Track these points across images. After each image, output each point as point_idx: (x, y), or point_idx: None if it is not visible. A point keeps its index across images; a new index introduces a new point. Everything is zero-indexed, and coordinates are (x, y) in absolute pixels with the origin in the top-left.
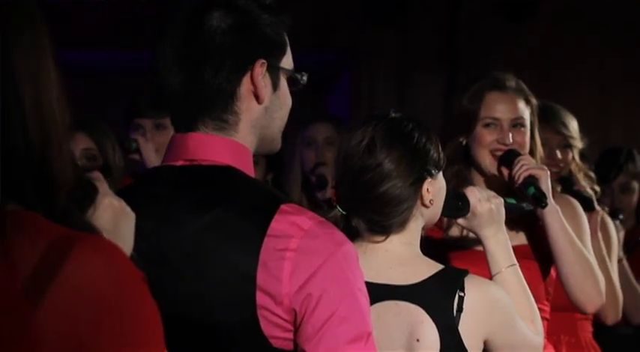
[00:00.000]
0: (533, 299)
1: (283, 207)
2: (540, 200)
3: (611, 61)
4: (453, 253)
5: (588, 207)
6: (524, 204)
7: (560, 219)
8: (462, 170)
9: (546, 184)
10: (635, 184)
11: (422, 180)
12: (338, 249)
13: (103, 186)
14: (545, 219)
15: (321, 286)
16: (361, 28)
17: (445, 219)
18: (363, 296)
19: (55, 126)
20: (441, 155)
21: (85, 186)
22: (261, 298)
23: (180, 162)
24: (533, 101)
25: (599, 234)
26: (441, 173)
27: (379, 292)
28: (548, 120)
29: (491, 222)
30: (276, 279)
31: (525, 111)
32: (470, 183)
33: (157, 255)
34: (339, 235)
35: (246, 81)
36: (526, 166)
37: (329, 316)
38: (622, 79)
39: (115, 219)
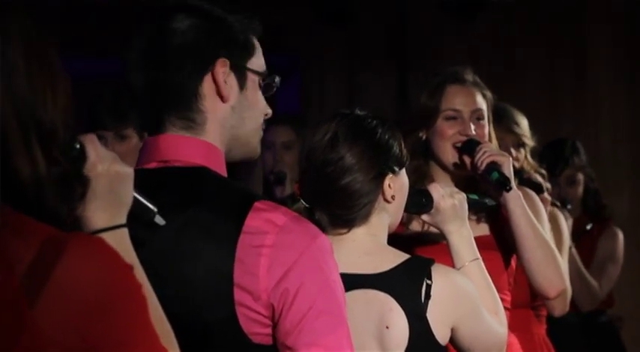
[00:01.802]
0: (496, 291)
1: (257, 204)
2: (504, 184)
3: (561, 59)
4: (416, 247)
5: (540, 191)
6: (487, 200)
7: (522, 205)
8: (421, 165)
9: (509, 169)
10: (580, 176)
11: (383, 176)
12: (312, 243)
13: (95, 150)
14: (507, 204)
15: (297, 280)
16: (312, 28)
17: (405, 214)
18: (339, 287)
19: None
20: (404, 152)
21: (74, 158)
22: (239, 295)
23: (153, 165)
24: (489, 95)
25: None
26: (403, 170)
27: (348, 281)
28: (500, 120)
29: (455, 217)
30: (253, 276)
31: (483, 104)
32: (430, 178)
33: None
34: (313, 229)
35: (207, 79)
36: (488, 153)
37: (307, 310)
38: (573, 76)
39: (109, 184)
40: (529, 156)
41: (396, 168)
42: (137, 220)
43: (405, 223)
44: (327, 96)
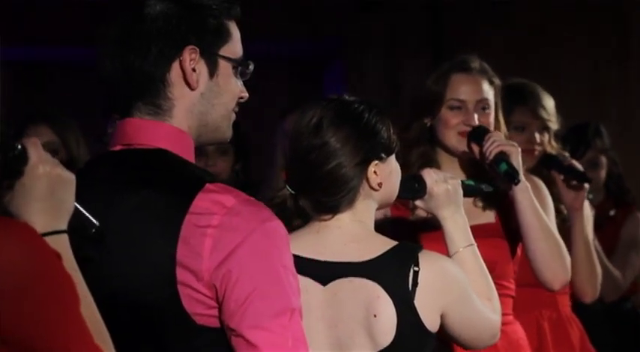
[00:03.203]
0: (490, 278)
1: (208, 185)
2: (513, 176)
3: (601, 38)
4: (422, 233)
5: (583, 179)
6: (483, 186)
7: (530, 197)
8: (427, 151)
9: (517, 160)
10: (603, 159)
11: (368, 162)
12: (261, 226)
13: (37, 152)
14: (515, 195)
15: (241, 262)
16: (352, 15)
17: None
18: (288, 272)
19: None
20: (393, 139)
21: (14, 158)
22: (181, 274)
23: (118, 147)
24: (497, 82)
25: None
26: (392, 157)
27: (334, 270)
28: (527, 103)
29: (449, 203)
30: (196, 255)
31: (490, 93)
32: (436, 164)
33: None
34: (265, 213)
35: (175, 66)
36: (497, 142)
37: (250, 292)
38: (612, 56)
39: (50, 186)
40: (553, 140)
41: (383, 155)
42: (77, 232)
43: (411, 209)
44: (369, 82)
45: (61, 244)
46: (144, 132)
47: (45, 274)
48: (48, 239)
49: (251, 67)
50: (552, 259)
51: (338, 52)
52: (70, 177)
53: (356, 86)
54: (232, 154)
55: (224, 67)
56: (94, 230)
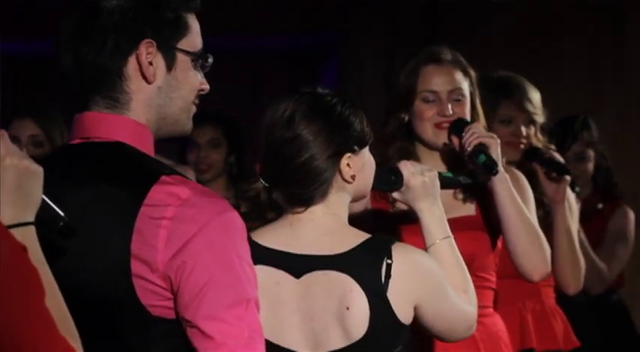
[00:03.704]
0: (466, 270)
1: (164, 178)
2: (491, 167)
3: (601, 35)
4: (402, 225)
5: (563, 171)
6: (461, 178)
7: (509, 188)
8: (406, 146)
9: (496, 152)
10: (591, 152)
11: (341, 154)
12: (216, 217)
13: (4, 145)
14: (494, 187)
15: (195, 253)
16: (351, 9)
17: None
18: (244, 262)
19: None
20: (367, 131)
21: None
22: (136, 266)
23: (76, 141)
24: (472, 72)
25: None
26: (366, 149)
27: (308, 263)
28: (513, 96)
29: (425, 195)
30: (151, 247)
31: (463, 82)
32: (415, 158)
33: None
34: (221, 204)
35: (132, 60)
36: (476, 134)
37: (205, 283)
38: (613, 56)
39: (17, 179)
40: (539, 133)
41: (356, 147)
42: (44, 225)
43: (391, 202)
44: (366, 75)
45: (28, 236)
46: (102, 125)
47: (9, 266)
48: (14, 231)
49: (210, 59)
50: (532, 250)
51: (336, 48)
52: (38, 170)
53: (353, 81)
54: (225, 147)
55: (182, 60)
56: (61, 222)
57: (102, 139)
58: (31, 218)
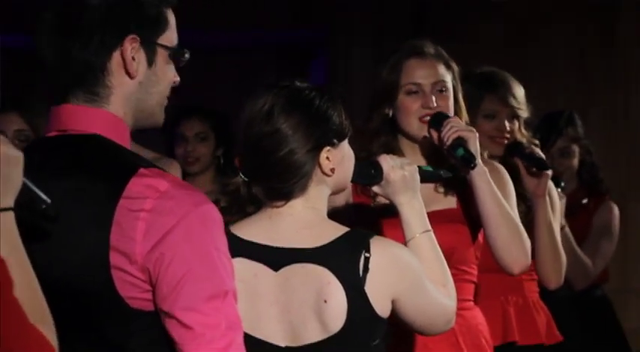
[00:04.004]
0: (446, 264)
1: (142, 170)
2: (469, 161)
3: (591, 25)
4: (383, 219)
5: (542, 166)
6: (442, 172)
7: (488, 181)
8: (389, 141)
9: (475, 146)
10: (575, 148)
11: (320, 148)
12: (194, 210)
13: None
14: (473, 181)
15: (173, 245)
16: (339, 4)
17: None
18: (222, 254)
19: None
20: (345, 124)
21: None
22: (115, 258)
23: (53, 133)
24: (455, 66)
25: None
26: (345, 142)
27: (286, 256)
28: (497, 91)
29: (405, 188)
30: (130, 239)
31: (446, 75)
32: (398, 152)
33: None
34: (199, 196)
35: (116, 56)
36: (455, 128)
37: (183, 274)
38: (604, 53)
39: None
40: (523, 128)
41: (335, 140)
42: (26, 209)
43: (372, 196)
44: (354, 71)
45: (7, 222)
46: (79, 118)
47: None
48: None
49: (187, 55)
50: (511, 243)
51: (325, 43)
52: (17, 155)
53: (341, 77)
54: (213, 140)
55: (162, 55)
56: (44, 206)
57: (79, 132)
58: (11, 203)
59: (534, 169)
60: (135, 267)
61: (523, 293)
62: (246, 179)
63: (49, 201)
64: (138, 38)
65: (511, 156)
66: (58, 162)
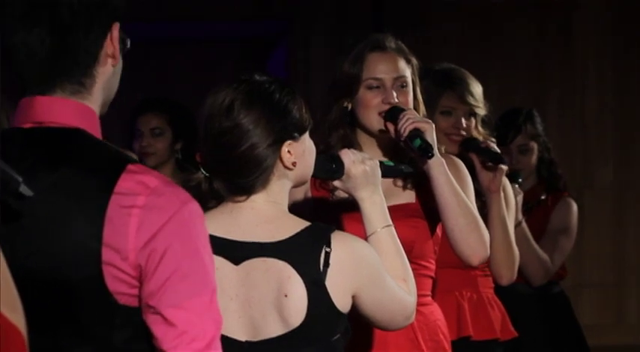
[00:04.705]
0: (406, 259)
1: (130, 166)
2: (427, 150)
3: (549, 21)
4: (342, 214)
5: (497, 159)
6: (403, 167)
7: (445, 172)
8: (347, 134)
9: (432, 137)
10: (534, 144)
11: (281, 142)
12: (183, 207)
13: None
14: (430, 171)
15: (165, 242)
16: None
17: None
18: (207, 254)
19: None
20: (305, 117)
21: None
22: (107, 254)
23: (28, 125)
24: (414, 61)
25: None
26: (306, 135)
27: (247, 250)
28: (454, 88)
29: (366, 183)
30: (122, 235)
31: (407, 70)
32: (357, 146)
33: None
34: (184, 194)
35: (107, 44)
36: (412, 120)
37: (172, 271)
38: (561, 46)
39: None
40: (480, 125)
41: (296, 134)
42: (2, 190)
43: (331, 190)
44: (314, 62)
45: None
46: (57, 110)
47: None
48: None
49: (128, 41)
50: (470, 235)
51: (284, 35)
52: None
53: (301, 68)
54: (170, 134)
55: (123, 40)
56: (18, 186)
57: (56, 124)
58: None
59: (490, 164)
60: (127, 264)
61: (477, 289)
62: (207, 174)
63: (20, 180)
64: (118, 24)
65: (466, 152)
66: (40, 154)
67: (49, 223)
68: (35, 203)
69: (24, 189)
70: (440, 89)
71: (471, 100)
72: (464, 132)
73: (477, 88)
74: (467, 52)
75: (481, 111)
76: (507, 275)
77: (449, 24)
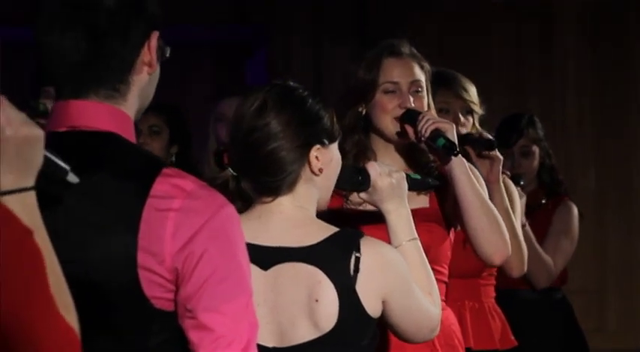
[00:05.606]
0: (431, 272)
1: (165, 170)
2: (452, 149)
3: (528, 26)
4: (355, 223)
5: (490, 145)
6: (430, 180)
7: (467, 172)
8: (362, 139)
9: (453, 136)
10: (535, 148)
11: (310, 146)
12: (220, 210)
13: (5, 112)
14: (453, 172)
15: (202, 245)
16: (278, 1)
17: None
18: (244, 257)
19: None
20: (336, 127)
21: None
22: (143, 258)
23: (63, 129)
24: (427, 67)
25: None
26: (335, 145)
27: (276, 255)
28: (448, 86)
29: (393, 196)
30: (158, 239)
31: (421, 76)
32: (371, 151)
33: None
34: (221, 197)
35: (144, 52)
36: (432, 120)
37: (209, 274)
38: (540, 51)
39: (17, 148)
40: (477, 124)
41: (325, 141)
42: (48, 179)
43: (344, 196)
44: (293, 66)
45: (28, 202)
46: (92, 114)
47: (15, 249)
48: (14, 196)
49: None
50: (493, 233)
51: (263, 39)
52: (38, 135)
53: (281, 72)
54: (167, 136)
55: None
56: (65, 175)
57: (91, 128)
58: (31, 183)
59: (485, 152)
60: (163, 267)
61: (480, 299)
62: (234, 173)
63: (68, 168)
64: (158, 32)
65: (463, 146)
66: (75, 158)
67: (84, 230)
68: (72, 207)
69: (71, 177)
70: (434, 87)
71: (465, 95)
72: (462, 129)
73: (470, 87)
74: (446, 58)
75: (477, 108)
76: (518, 266)
77: (428, 30)
